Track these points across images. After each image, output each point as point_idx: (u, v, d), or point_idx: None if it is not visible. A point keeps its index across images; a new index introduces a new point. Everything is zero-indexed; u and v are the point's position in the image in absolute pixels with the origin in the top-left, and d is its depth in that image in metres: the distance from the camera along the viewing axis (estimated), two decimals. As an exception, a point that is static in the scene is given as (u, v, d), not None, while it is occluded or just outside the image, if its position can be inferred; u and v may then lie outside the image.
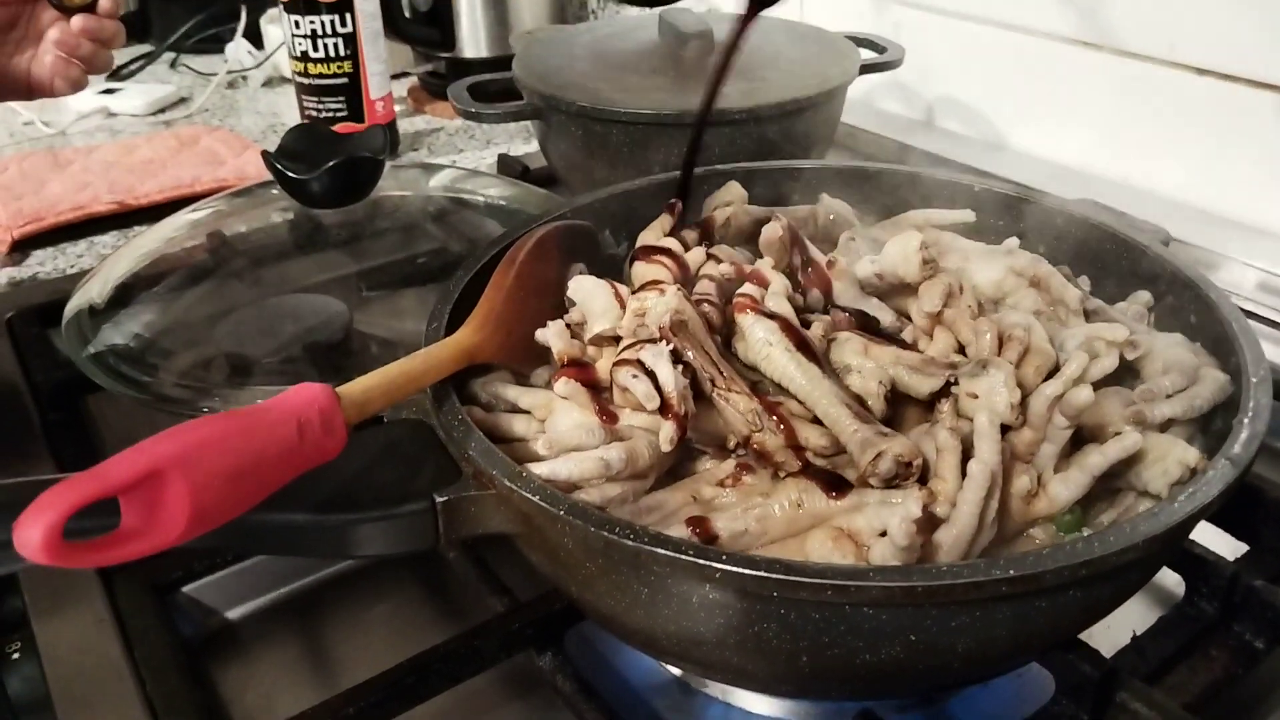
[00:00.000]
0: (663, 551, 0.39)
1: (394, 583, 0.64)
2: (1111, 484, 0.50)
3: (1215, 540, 0.57)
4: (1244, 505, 0.58)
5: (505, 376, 0.55)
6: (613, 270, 0.64)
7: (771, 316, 0.52)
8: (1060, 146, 1.03)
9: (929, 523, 0.44)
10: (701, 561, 0.39)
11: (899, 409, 0.52)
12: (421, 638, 0.54)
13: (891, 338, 0.57)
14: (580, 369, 0.53)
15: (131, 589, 0.58)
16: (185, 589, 0.61)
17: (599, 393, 0.52)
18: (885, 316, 0.58)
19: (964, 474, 0.46)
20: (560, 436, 0.48)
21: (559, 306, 0.59)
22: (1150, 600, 0.59)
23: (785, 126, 0.89)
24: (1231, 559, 0.56)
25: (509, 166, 1.13)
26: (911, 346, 0.56)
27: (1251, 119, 0.88)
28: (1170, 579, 0.57)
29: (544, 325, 0.55)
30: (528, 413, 0.53)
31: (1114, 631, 0.53)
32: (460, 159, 1.24)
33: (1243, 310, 0.79)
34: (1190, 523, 0.42)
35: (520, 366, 0.56)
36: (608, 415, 0.50)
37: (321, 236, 0.84)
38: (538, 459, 0.48)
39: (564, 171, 1.00)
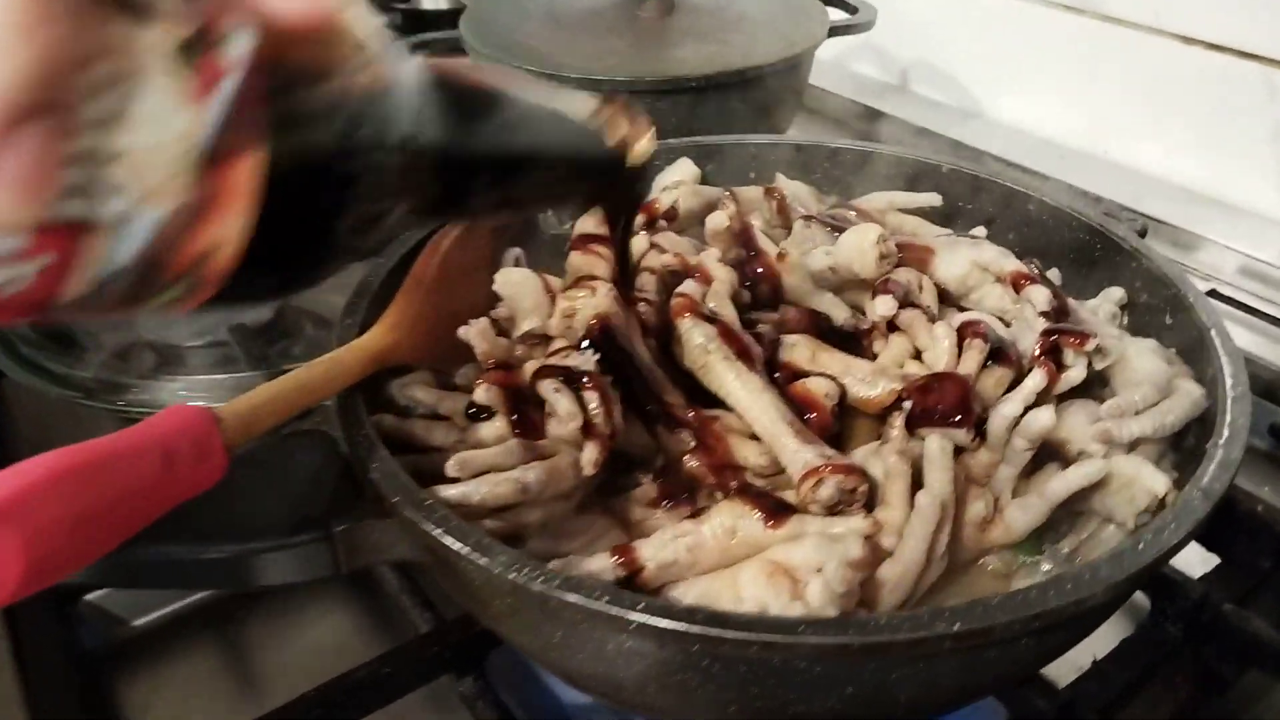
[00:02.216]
0: (573, 599, 0.35)
1: (315, 591, 0.60)
2: (1074, 507, 0.46)
3: (1185, 553, 0.53)
4: (1217, 517, 0.54)
5: (426, 378, 0.51)
6: (557, 253, 0.59)
7: (711, 320, 0.48)
8: (1037, 115, 0.99)
9: (873, 555, 0.40)
10: (614, 611, 0.35)
11: (848, 420, 0.48)
12: (343, 649, 0.51)
13: (845, 336, 0.53)
14: (505, 373, 0.48)
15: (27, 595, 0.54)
16: (88, 596, 0.57)
17: (524, 399, 0.47)
18: (839, 313, 0.54)
19: (914, 501, 0.42)
20: (472, 456, 0.43)
21: (492, 296, 0.54)
22: (1113, 620, 0.55)
23: (748, 94, 0.84)
24: (1202, 571, 0.53)
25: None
26: (866, 348, 0.52)
27: (1238, 92, 0.83)
28: (1135, 596, 0.53)
29: (468, 322, 0.50)
30: (449, 419, 0.49)
31: (1074, 653, 0.50)
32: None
33: (1222, 296, 0.76)
34: (1155, 566, 0.39)
35: (444, 365, 0.52)
36: (531, 426, 0.46)
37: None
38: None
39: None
